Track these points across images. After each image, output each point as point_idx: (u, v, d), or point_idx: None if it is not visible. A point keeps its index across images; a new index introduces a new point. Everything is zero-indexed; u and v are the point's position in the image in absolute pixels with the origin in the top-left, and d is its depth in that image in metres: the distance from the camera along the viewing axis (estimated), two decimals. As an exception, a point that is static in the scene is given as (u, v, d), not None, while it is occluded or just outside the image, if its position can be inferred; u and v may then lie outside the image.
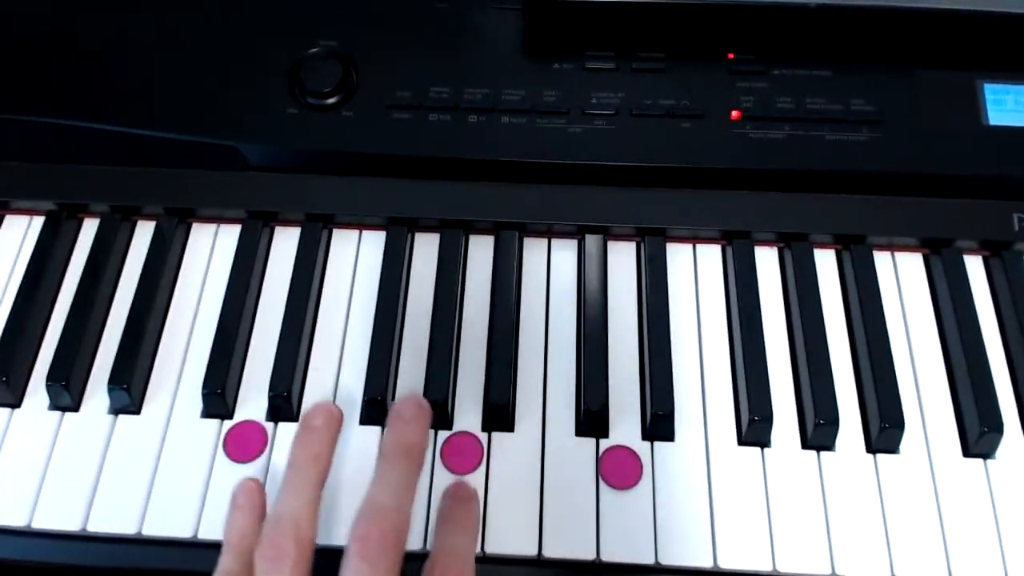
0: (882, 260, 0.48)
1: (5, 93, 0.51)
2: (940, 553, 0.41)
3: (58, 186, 0.50)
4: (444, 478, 0.43)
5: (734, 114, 0.49)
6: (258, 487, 0.41)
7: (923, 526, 0.41)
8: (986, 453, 0.43)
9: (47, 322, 0.48)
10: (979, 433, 0.43)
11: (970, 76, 0.51)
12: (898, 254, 0.49)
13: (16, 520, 0.42)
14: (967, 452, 0.43)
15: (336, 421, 0.42)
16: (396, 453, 0.39)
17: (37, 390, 0.45)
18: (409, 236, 0.49)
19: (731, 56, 0.51)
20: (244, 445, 0.44)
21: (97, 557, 0.43)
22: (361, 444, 0.44)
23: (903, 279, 0.48)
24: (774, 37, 0.51)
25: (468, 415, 0.45)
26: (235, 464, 0.43)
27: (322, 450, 0.40)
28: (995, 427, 0.43)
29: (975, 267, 0.49)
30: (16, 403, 0.45)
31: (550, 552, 0.41)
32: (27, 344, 0.46)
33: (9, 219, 0.51)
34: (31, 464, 0.43)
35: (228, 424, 0.44)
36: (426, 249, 0.49)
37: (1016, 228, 0.48)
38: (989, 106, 0.50)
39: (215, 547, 0.40)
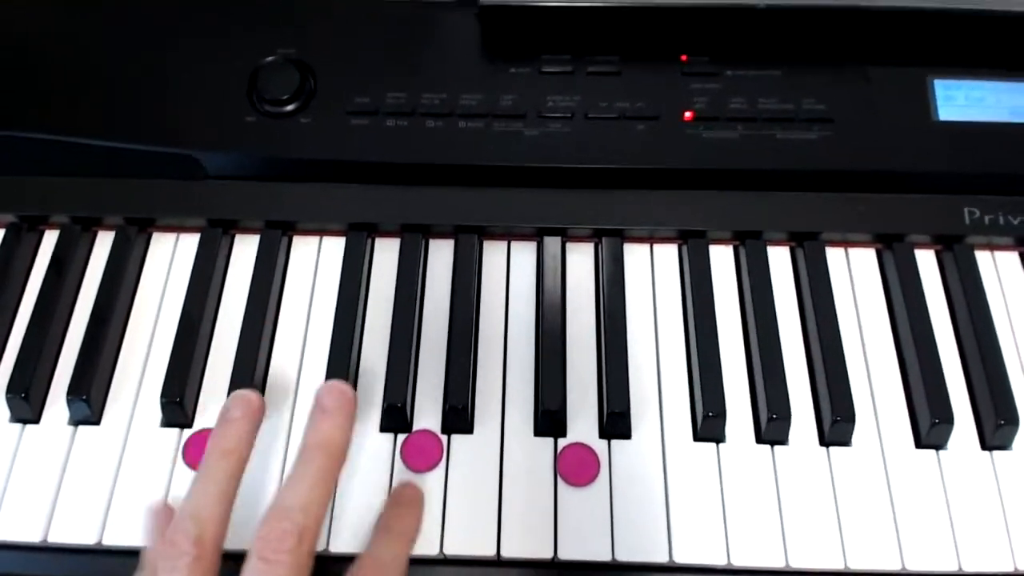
0: (835, 256, 0.49)
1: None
2: (893, 543, 0.42)
3: (18, 198, 0.50)
4: (404, 477, 0.43)
5: (688, 115, 0.50)
6: None
7: (876, 517, 0.42)
8: (938, 444, 0.44)
9: (8, 334, 0.48)
10: (930, 424, 0.43)
11: (920, 72, 0.52)
12: (851, 250, 0.50)
13: (-23, 533, 0.42)
14: (919, 443, 0.44)
15: (256, 412, 0.40)
16: (312, 449, 0.38)
17: (-4, 402, 0.45)
18: (369, 241, 0.50)
19: (684, 58, 0.51)
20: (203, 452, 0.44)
21: (58, 568, 0.43)
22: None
23: (856, 274, 0.49)
24: (726, 38, 0.52)
25: (428, 417, 0.45)
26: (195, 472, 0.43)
27: (237, 444, 0.38)
28: (945, 419, 0.43)
29: (927, 261, 0.49)
30: (-25, 416, 0.45)
31: (508, 552, 0.41)
32: (-14, 356, 0.47)
33: (-31, 232, 0.51)
34: (-9, 476, 0.43)
35: (188, 433, 0.44)
36: (386, 253, 0.50)
37: (967, 222, 0.49)
38: (939, 102, 0.51)
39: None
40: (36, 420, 0.45)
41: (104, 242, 0.50)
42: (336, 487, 0.42)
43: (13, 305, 0.49)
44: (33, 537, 0.42)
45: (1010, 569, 0.41)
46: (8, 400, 0.45)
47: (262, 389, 0.46)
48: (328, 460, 0.38)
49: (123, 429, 0.45)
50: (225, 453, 0.38)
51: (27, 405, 0.45)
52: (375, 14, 0.53)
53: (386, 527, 0.40)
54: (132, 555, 0.42)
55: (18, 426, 0.45)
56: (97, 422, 0.45)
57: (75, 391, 0.44)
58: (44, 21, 0.54)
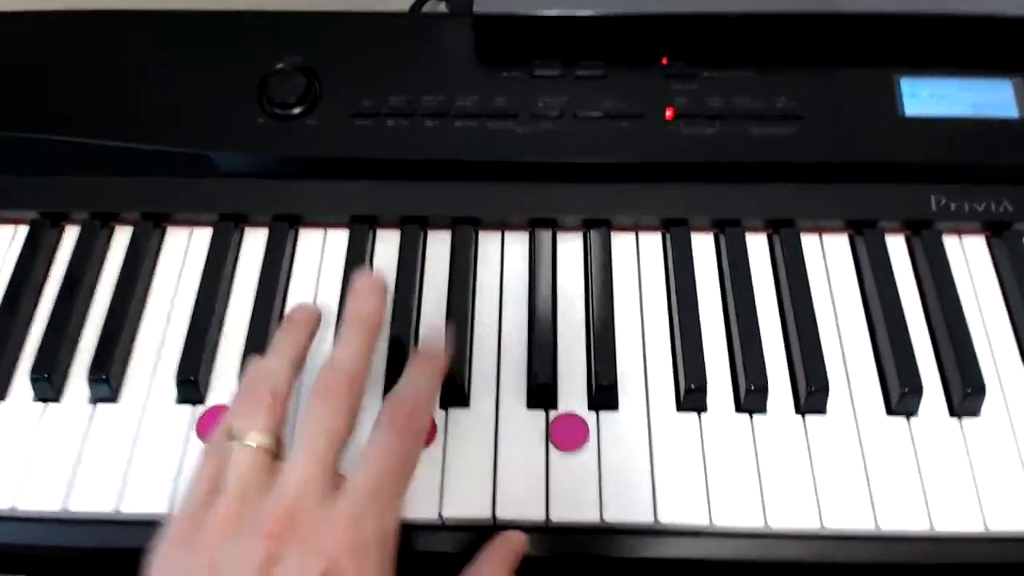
0: (810, 242, 0.52)
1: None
2: (867, 504, 0.44)
3: (41, 196, 0.54)
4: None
5: (669, 113, 0.53)
6: None
7: (850, 480, 0.44)
8: (908, 412, 0.46)
9: (31, 320, 0.51)
10: (900, 394, 0.46)
11: (887, 72, 0.55)
12: (825, 236, 0.53)
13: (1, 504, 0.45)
14: (890, 411, 0.47)
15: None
16: (354, 321, 0.42)
17: (22, 383, 0.48)
18: (371, 233, 0.53)
19: (665, 61, 0.55)
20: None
21: (78, 538, 0.45)
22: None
23: (830, 258, 0.52)
24: (703, 43, 0.55)
25: (427, 395, 0.47)
26: (208, 444, 0.46)
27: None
28: (915, 388, 0.46)
29: (898, 246, 0.52)
30: (1, 396, 0.48)
31: (504, 515, 0.44)
32: (13, 342, 0.49)
33: (-4, 228, 0.55)
34: (15, 451, 0.46)
35: (201, 408, 0.47)
36: (387, 244, 0.53)
37: (934, 209, 0.52)
38: (905, 99, 0.54)
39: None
40: (57, 399, 0.48)
41: (122, 236, 0.53)
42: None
43: (36, 294, 0.52)
44: (54, 506, 0.44)
45: (980, 529, 0.44)
46: (32, 380, 0.47)
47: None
48: (368, 329, 0.42)
49: (140, 406, 0.47)
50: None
51: (49, 386, 0.47)
52: (377, 24, 0.57)
53: (418, 362, 0.42)
54: (150, 525, 0.44)
55: (41, 405, 0.48)
56: (115, 400, 0.48)
57: (96, 372, 0.47)
58: (65, 30, 0.58)
